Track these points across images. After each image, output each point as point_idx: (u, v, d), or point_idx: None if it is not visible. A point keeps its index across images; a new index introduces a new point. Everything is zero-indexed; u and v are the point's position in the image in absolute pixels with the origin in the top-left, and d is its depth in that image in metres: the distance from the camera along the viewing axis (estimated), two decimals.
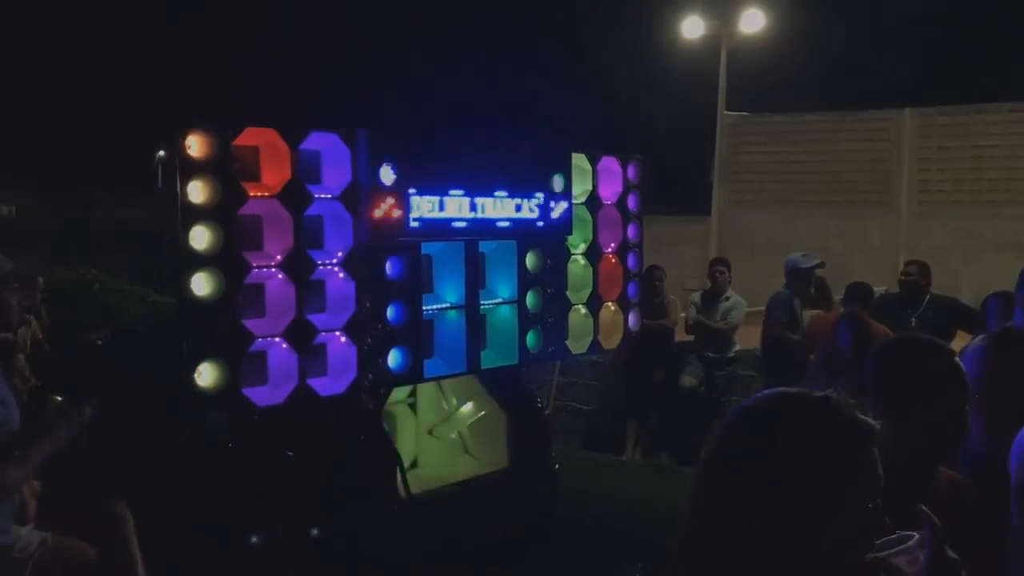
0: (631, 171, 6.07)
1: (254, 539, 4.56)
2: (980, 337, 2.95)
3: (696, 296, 8.29)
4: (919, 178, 16.11)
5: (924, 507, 1.51)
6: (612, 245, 5.97)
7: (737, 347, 8.22)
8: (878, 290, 6.90)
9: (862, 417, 1.38)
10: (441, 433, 5.72)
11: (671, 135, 18.26)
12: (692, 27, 17.58)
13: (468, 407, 5.72)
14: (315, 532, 4.59)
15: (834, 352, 5.70)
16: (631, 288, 6.13)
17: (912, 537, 1.47)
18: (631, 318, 6.13)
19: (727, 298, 8.09)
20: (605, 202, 5.91)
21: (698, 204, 17.92)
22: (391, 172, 4.54)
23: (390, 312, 4.64)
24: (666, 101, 19.27)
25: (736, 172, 17.78)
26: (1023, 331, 3.02)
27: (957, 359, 2.27)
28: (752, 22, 17.36)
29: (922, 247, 13.62)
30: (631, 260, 6.13)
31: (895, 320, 6.25)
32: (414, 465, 5.61)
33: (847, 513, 1.33)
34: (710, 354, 8.06)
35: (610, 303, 6.00)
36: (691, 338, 8.31)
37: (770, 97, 18.55)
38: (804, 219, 16.40)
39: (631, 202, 6.06)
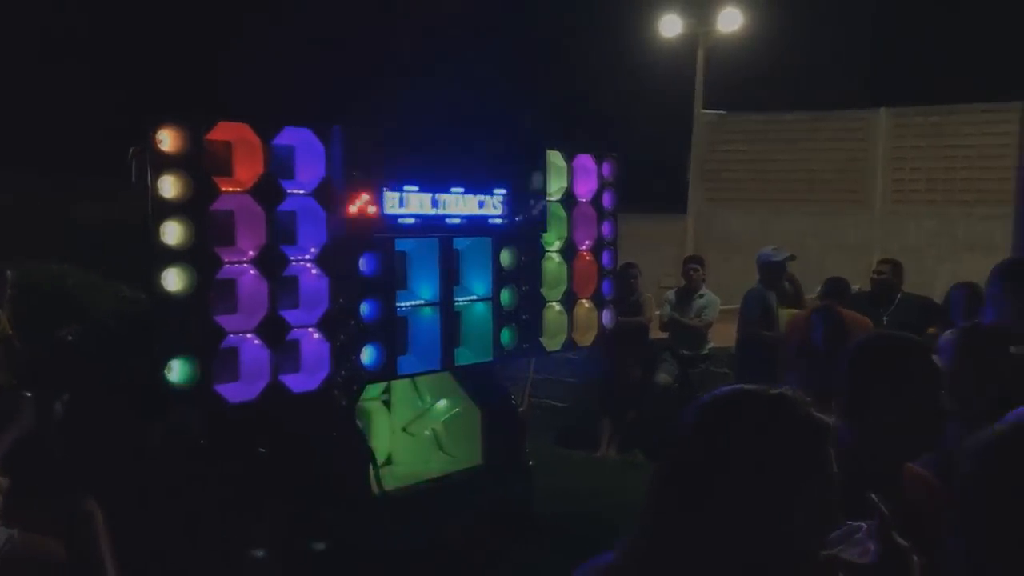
0: (606, 169, 6.08)
1: (227, 537, 4.54)
2: (948, 332, 2.97)
3: (671, 294, 8.32)
4: (893, 177, 16.24)
5: (873, 496, 1.53)
6: (587, 242, 5.98)
7: (711, 344, 8.26)
8: (852, 288, 6.95)
9: (816, 414, 1.40)
10: (415, 430, 5.71)
11: (649, 133, 18.31)
12: (670, 25, 17.63)
13: (443, 404, 5.71)
14: (290, 529, 4.57)
15: (808, 347, 5.74)
16: (606, 285, 6.15)
17: (861, 528, 1.49)
18: (606, 315, 6.14)
19: (701, 296, 8.13)
20: (580, 199, 5.92)
21: (675, 202, 17.97)
22: (366, 168, 4.52)
23: (364, 309, 4.62)
24: (644, 99, 19.32)
25: (713, 171, 17.85)
26: (991, 327, 3.05)
27: (933, 357, 2.27)
28: (729, 21, 17.42)
29: (896, 246, 13.74)
30: (606, 257, 6.14)
31: (868, 318, 6.29)
32: (388, 462, 5.60)
33: (799, 509, 1.34)
34: (684, 351, 8.10)
35: (585, 300, 6.01)
36: (666, 335, 8.34)
37: (747, 96, 18.63)
38: (780, 218, 16.49)
39: (606, 200, 6.08)
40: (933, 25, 19.07)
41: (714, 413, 1.45)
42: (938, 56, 19.09)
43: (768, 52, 19.44)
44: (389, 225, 4.64)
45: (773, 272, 7.19)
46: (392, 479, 5.21)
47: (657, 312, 8.41)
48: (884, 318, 6.62)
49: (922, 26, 19.35)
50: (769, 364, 6.47)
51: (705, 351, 8.17)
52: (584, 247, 5.98)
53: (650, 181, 17.00)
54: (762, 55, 19.28)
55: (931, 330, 5.43)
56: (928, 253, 14.62)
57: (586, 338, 6.09)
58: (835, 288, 6.36)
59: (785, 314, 7.01)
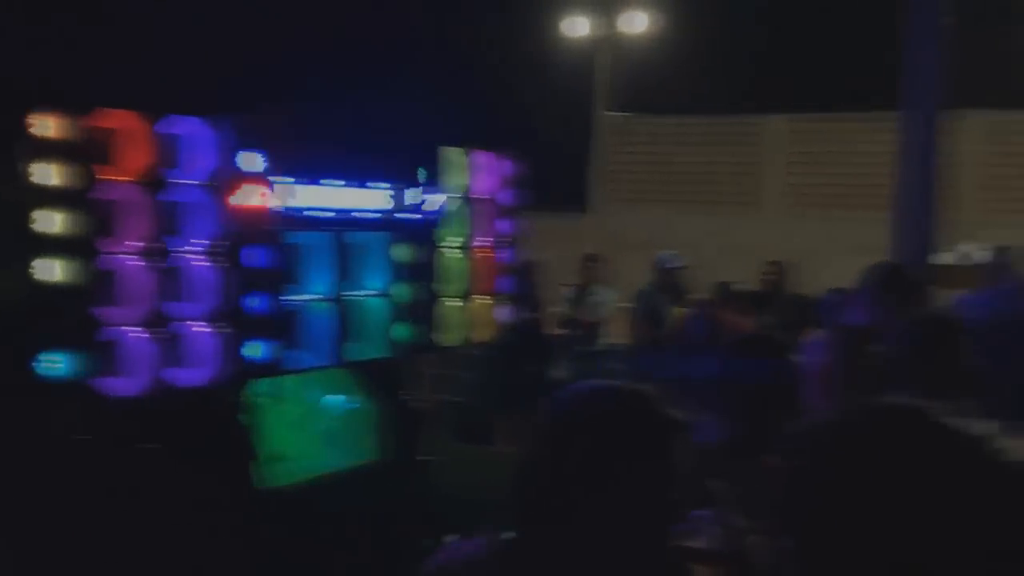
0: (507, 166, 6.13)
1: (108, 536, 4.41)
2: (818, 332, 3.10)
3: (568, 291, 8.44)
4: (786, 182, 16.79)
5: (714, 483, 1.59)
6: (485, 239, 6.01)
7: (607, 341, 8.40)
8: (741, 288, 7.20)
9: (666, 410, 1.43)
10: (307, 426, 5.64)
11: (553, 133, 18.46)
12: (574, 25, 17.84)
13: (336, 400, 5.66)
14: (174, 528, 4.46)
15: (685, 343, 5.94)
16: (504, 282, 6.20)
17: (706, 516, 1.54)
18: (504, 312, 6.20)
19: (597, 293, 8.27)
20: (479, 196, 5.95)
21: (578, 202, 18.19)
22: (257, 158, 4.45)
23: (253, 302, 4.55)
24: (550, 99, 19.47)
25: (615, 171, 18.14)
26: (859, 327, 3.19)
27: (790, 357, 2.37)
28: (632, 23, 17.71)
29: (788, 248, 14.19)
30: (505, 254, 6.19)
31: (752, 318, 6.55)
32: (279, 458, 5.51)
33: (646, 501, 1.38)
34: (581, 348, 8.21)
35: (482, 296, 6.05)
36: (563, 332, 8.45)
37: (652, 98, 18.96)
38: (680, 218, 16.86)
39: (506, 197, 6.13)
40: (826, 34, 19.74)
41: (565, 409, 1.47)
42: (830, 65, 19.78)
43: (672, 55, 19.82)
44: (281, 217, 4.57)
45: (665, 276, 7.46)
46: (283, 476, 5.13)
47: (554, 309, 8.50)
48: (769, 317, 6.86)
49: (815, 35, 20.01)
50: (661, 359, 6.65)
51: (601, 348, 8.31)
52: (482, 243, 6.01)
53: (554, 180, 17.15)
54: (667, 58, 19.65)
55: (808, 330, 5.66)
56: (818, 255, 15.14)
57: (483, 334, 6.13)
58: (719, 292, 6.63)
59: (676, 313, 7.20)
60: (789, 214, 16.47)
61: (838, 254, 15.36)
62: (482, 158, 5.98)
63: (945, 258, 7.74)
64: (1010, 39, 17.85)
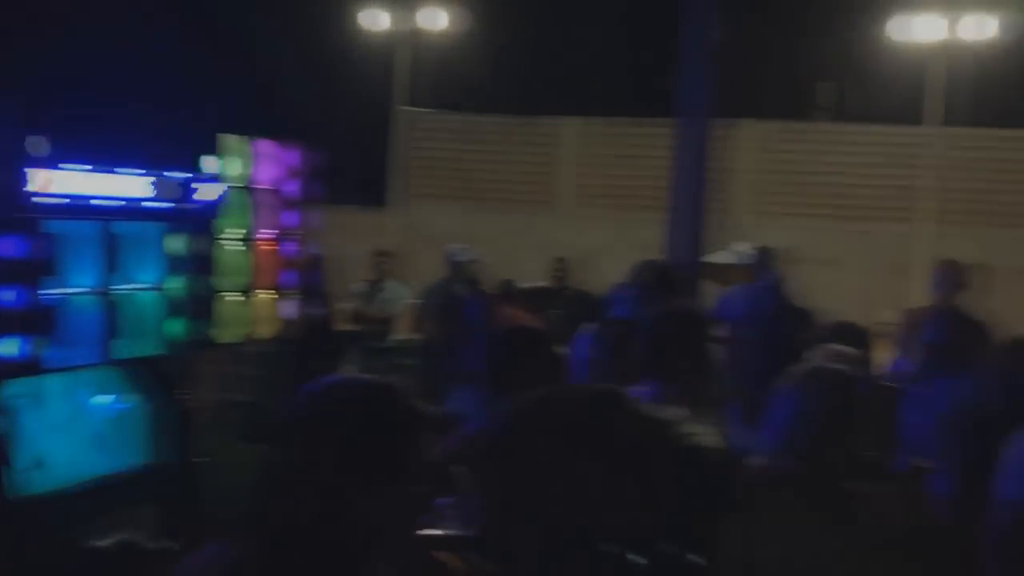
0: (295, 157, 6.00)
1: None
2: (589, 326, 3.21)
3: (358, 286, 8.36)
4: (578, 183, 17.36)
5: (457, 469, 1.61)
6: (270, 231, 5.86)
7: (400, 336, 8.38)
8: (528, 285, 7.42)
9: (413, 404, 1.44)
10: (73, 429, 5.29)
11: (351, 126, 18.21)
12: (374, 18, 17.69)
13: (105, 400, 5.33)
14: None
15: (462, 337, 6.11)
16: (290, 276, 6.07)
17: (448, 504, 1.56)
18: (290, 307, 6.06)
19: (388, 288, 8.24)
20: (264, 187, 5.78)
21: (377, 196, 18.04)
22: (10, 142, 4.12)
23: (6, 296, 4.21)
24: (346, 91, 19.20)
25: (415, 167, 18.13)
26: (624, 321, 3.32)
27: (553, 349, 2.44)
28: (435, 20, 17.76)
29: (581, 246, 14.65)
30: (291, 247, 6.05)
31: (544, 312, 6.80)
32: (39, 463, 5.14)
33: (391, 493, 1.37)
34: (371, 344, 8.15)
35: (266, 291, 5.89)
36: (353, 328, 8.36)
37: (451, 95, 19.04)
38: (478, 216, 17.05)
39: (293, 188, 5.99)
40: (614, 43, 20.55)
41: (319, 401, 1.45)
42: (618, 72, 20.63)
43: (473, 54, 20.02)
44: (36, 205, 4.25)
45: (457, 269, 7.56)
46: (43, 483, 4.79)
47: (345, 304, 8.41)
48: (556, 312, 7.09)
49: (605, 42, 20.80)
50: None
51: (392, 343, 8.29)
52: (267, 236, 5.85)
53: (352, 173, 16.93)
54: (468, 56, 19.82)
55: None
56: (606, 253, 15.74)
57: (268, 330, 5.97)
58: (502, 287, 7.08)
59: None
60: (581, 213, 17.03)
61: (625, 252, 16.04)
62: (266, 147, 5.81)
63: (720, 257, 8.23)
64: (780, 54, 19.24)
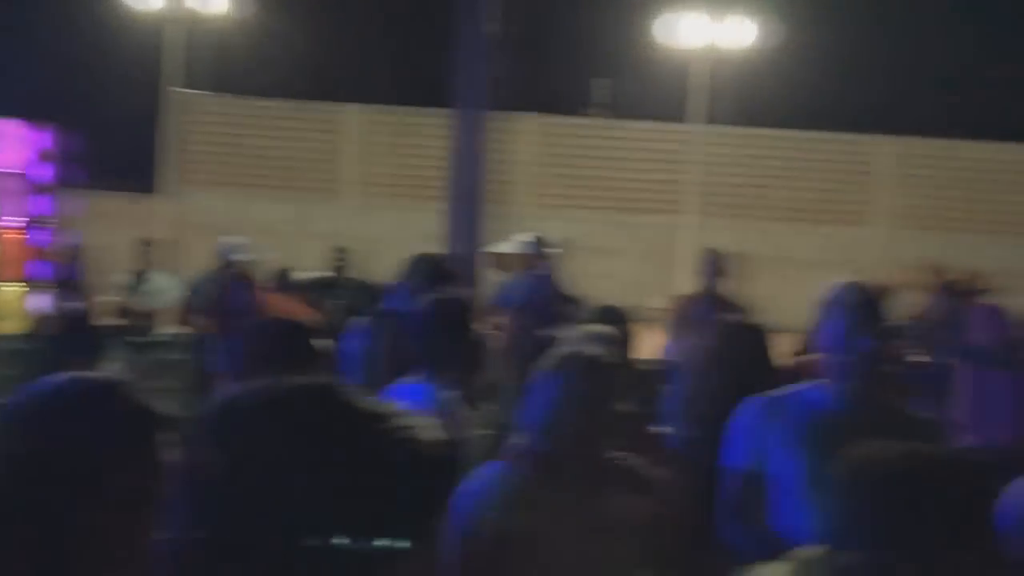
0: (47, 138, 5.55)
1: None
2: (360, 320, 3.16)
3: (123, 277, 7.86)
4: (361, 171, 17.17)
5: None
6: (15, 218, 5.40)
7: (167, 330, 7.96)
8: (305, 275, 7.27)
9: (141, 403, 1.35)
10: None
11: (118, 108, 17.11)
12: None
13: None
14: None
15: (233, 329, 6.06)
16: (41, 267, 5.63)
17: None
18: (40, 300, 5.63)
19: (154, 279, 7.80)
20: (7, 170, 5.31)
21: (146, 183, 17.06)
22: None
23: None
24: (114, 72, 18.02)
25: (188, 152, 17.29)
26: (396, 313, 3.29)
27: (311, 342, 2.38)
28: (206, 2, 16.98)
29: (364, 236, 14.49)
30: (41, 236, 5.62)
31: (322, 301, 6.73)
32: None
33: (126, 497, 1.28)
34: (135, 339, 7.69)
35: (12, 283, 5.43)
36: (116, 322, 7.86)
37: (227, 79, 18.28)
38: (256, 203, 16.51)
39: (45, 172, 5.55)
40: (395, 31, 20.51)
41: (36, 402, 1.34)
42: (400, 60, 20.60)
43: (251, 38, 19.34)
44: None
45: (229, 268, 7.39)
46: None
47: (107, 297, 7.88)
48: (335, 300, 7.01)
49: (386, 30, 20.71)
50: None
51: (156, 338, 7.86)
52: (11, 223, 5.39)
53: (118, 158, 15.93)
54: (245, 40, 19.12)
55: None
56: (389, 243, 15.66)
57: (13, 326, 5.50)
58: (277, 277, 7.04)
59: None
60: (364, 202, 16.81)
61: (409, 242, 16.02)
62: (11, 127, 5.34)
63: (502, 247, 8.36)
64: (559, 49, 19.82)
